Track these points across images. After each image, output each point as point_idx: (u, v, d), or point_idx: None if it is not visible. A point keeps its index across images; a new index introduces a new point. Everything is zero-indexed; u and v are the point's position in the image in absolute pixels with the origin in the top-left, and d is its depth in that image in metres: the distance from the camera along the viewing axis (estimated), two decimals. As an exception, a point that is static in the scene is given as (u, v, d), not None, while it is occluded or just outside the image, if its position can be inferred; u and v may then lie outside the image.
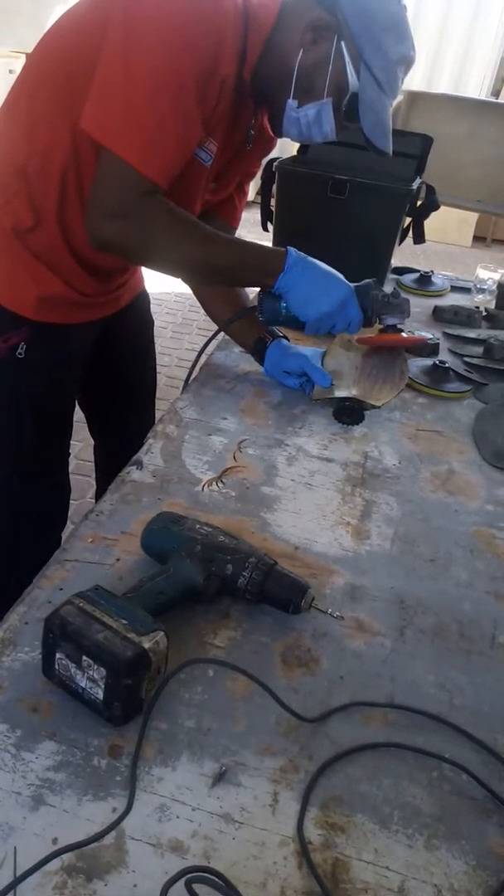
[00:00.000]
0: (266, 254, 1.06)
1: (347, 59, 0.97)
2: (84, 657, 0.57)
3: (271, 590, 0.71)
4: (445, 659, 0.72)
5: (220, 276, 1.10)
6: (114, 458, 1.57)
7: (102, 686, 0.57)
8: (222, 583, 0.71)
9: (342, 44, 0.96)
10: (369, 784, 0.59)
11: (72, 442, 1.34)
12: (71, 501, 1.45)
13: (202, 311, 1.35)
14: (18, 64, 3.49)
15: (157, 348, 1.58)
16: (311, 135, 1.05)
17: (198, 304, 1.35)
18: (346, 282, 1.07)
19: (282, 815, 0.55)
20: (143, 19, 0.88)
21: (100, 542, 0.80)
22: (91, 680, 0.58)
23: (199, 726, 0.61)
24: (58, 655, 0.59)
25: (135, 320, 1.40)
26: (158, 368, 1.59)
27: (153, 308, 1.49)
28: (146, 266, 1.04)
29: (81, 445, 2.23)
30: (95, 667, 0.57)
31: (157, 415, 1.62)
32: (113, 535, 0.81)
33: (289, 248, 1.05)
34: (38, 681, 0.62)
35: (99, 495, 1.74)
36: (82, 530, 0.82)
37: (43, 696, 0.61)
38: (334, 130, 1.04)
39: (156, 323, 1.51)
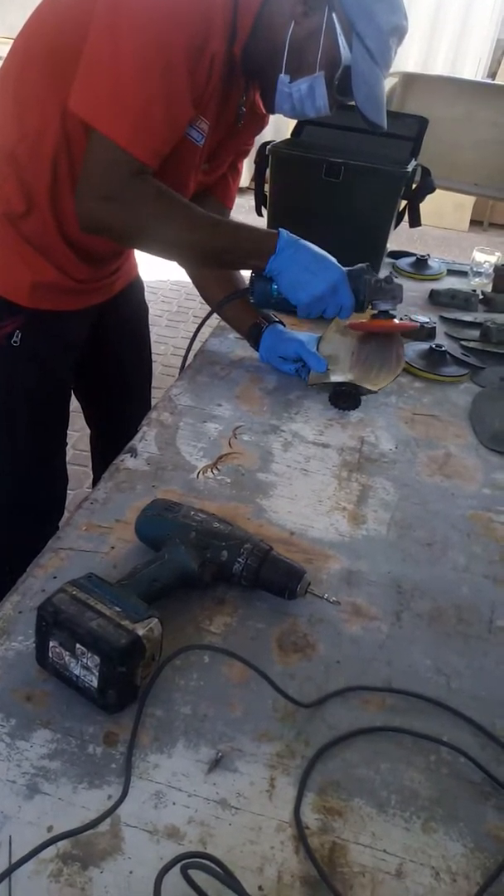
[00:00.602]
0: (257, 235, 1.05)
1: (339, 30, 0.95)
2: (78, 645, 0.57)
3: (267, 575, 0.70)
4: (443, 643, 0.72)
5: (210, 257, 1.08)
6: (110, 447, 1.55)
7: (97, 674, 0.57)
8: (218, 569, 0.70)
9: (333, 15, 0.94)
10: (367, 768, 0.59)
11: (68, 432, 1.33)
12: (68, 491, 1.44)
13: (198, 299, 1.34)
14: (4, 49, 3.45)
15: (153, 337, 1.56)
16: (303, 110, 1.04)
17: (194, 293, 1.33)
18: (339, 265, 1.06)
19: (279, 800, 0.55)
20: (129, 6, 0.86)
21: (94, 530, 0.79)
22: (85, 668, 0.57)
23: (195, 713, 0.61)
24: (51, 644, 0.59)
25: (129, 308, 1.39)
26: (154, 357, 1.58)
27: (148, 296, 1.47)
28: (136, 248, 1.03)
29: (78, 435, 2.22)
30: (89, 655, 0.57)
31: (153, 402, 1.61)
32: (107, 522, 0.81)
33: (280, 229, 1.04)
34: (33, 669, 0.62)
35: (96, 485, 1.73)
36: (76, 518, 0.81)
37: (37, 685, 0.61)
38: (327, 105, 1.02)
39: (151, 311, 1.50)
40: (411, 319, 1.38)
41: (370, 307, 1.12)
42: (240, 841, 0.52)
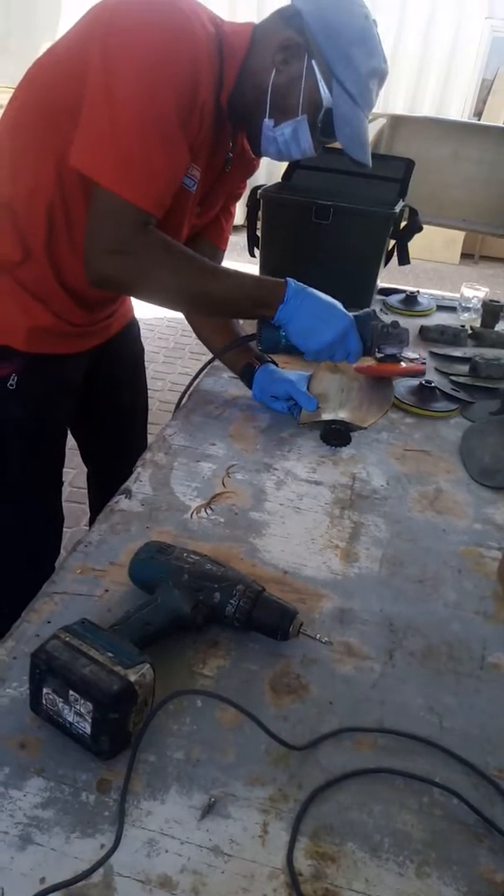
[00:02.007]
0: (265, 284, 1.08)
1: (319, 75, 0.99)
2: (71, 692, 0.58)
3: (259, 617, 0.71)
4: (435, 681, 0.72)
5: (219, 307, 1.12)
6: (107, 486, 1.56)
7: (90, 720, 0.57)
8: (210, 611, 0.71)
9: (312, 62, 0.99)
10: (360, 811, 0.59)
11: (65, 469, 1.34)
12: (65, 529, 1.45)
13: (194, 335, 1.37)
14: (5, 98, 3.56)
15: (150, 373, 1.59)
16: (289, 152, 1.07)
17: (189, 329, 1.36)
18: (346, 312, 1.09)
19: (271, 846, 0.55)
20: (122, 59, 0.90)
21: (88, 573, 0.80)
22: (78, 714, 0.58)
23: (188, 758, 0.61)
24: (45, 690, 0.59)
25: (125, 348, 1.41)
26: (151, 393, 1.60)
27: (145, 333, 1.50)
28: (145, 299, 1.06)
29: (75, 472, 2.24)
30: (82, 701, 0.57)
31: (150, 439, 1.63)
32: (101, 565, 0.82)
33: (288, 279, 1.07)
34: (27, 716, 0.62)
35: (92, 523, 1.74)
36: (71, 561, 0.82)
37: (31, 731, 0.61)
38: (312, 147, 1.06)
39: (148, 348, 1.53)
40: (402, 355, 1.40)
41: (377, 351, 1.14)
42: (232, 889, 0.52)
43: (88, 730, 0.58)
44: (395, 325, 1.13)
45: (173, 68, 0.91)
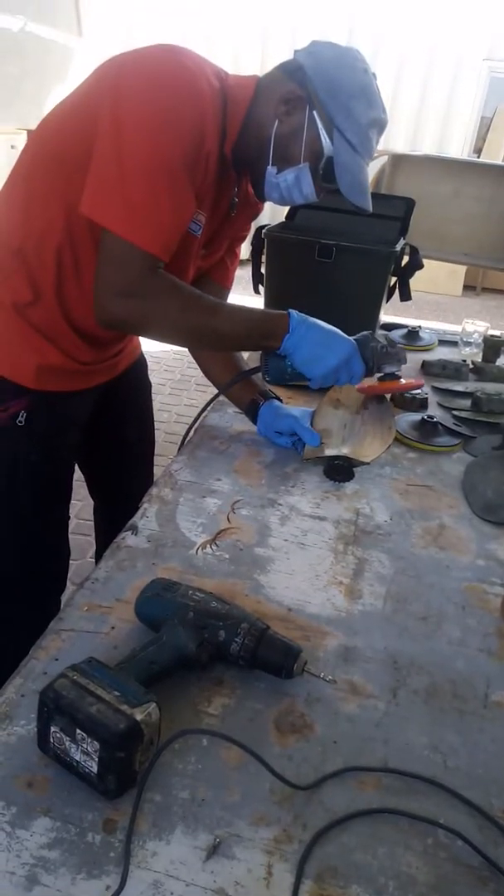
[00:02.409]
0: (269, 317, 1.12)
1: (320, 126, 1.03)
2: (78, 730, 0.58)
3: (264, 655, 0.72)
4: (439, 720, 0.73)
5: (227, 342, 1.15)
6: (113, 519, 1.58)
7: (96, 759, 0.58)
8: (215, 649, 0.72)
9: (314, 113, 1.03)
10: (364, 853, 0.59)
11: (72, 501, 1.36)
12: (71, 562, 1.46)
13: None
14: (19, 139, 3.68)
15: (156, 405, 1.61)
16: (291, 198, 1.12)
17: (195, 362, 1.39)
18: (348, 338, 1.13)
19: (276, 888, 0.55)
20: (130, 112, 0.94)
21: (95, 610, 0.81)
22: (85, 753, 0.59)
23: (193, 797, 0.61)
24: (52, 729, 0.60)
25: (133, 384, 1.44)
26: (157, 425, 1.63)
27: (152, 366, 1.53)
28: (154, 339, 1.09)
29: (82, 504, 2.25)
30: (89, 740, 0.58)
31: (156, 471, 1.65)
32: (108, 602, 0.83)
33: (290, 310, 1.10)
34: (34, 755, 0.63)
35: (99, 556, 1.75)
36: (78, 598, 0.83)
37: (38, 770, 0.62)
38: (314, 192, 1.10)
39: (154, 380, 1.55)
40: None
41: (377, 371, 1.17)
42: (237, 932, 0.52)
43: (95, 769, 0.58)
44: (392, 344, 1.16)
45: (179, 120, 0.95)
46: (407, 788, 0.65)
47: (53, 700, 0.60)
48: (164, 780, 0.62)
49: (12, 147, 3.76)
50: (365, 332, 1.16)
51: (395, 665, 0.79)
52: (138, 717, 0.59)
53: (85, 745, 0.58)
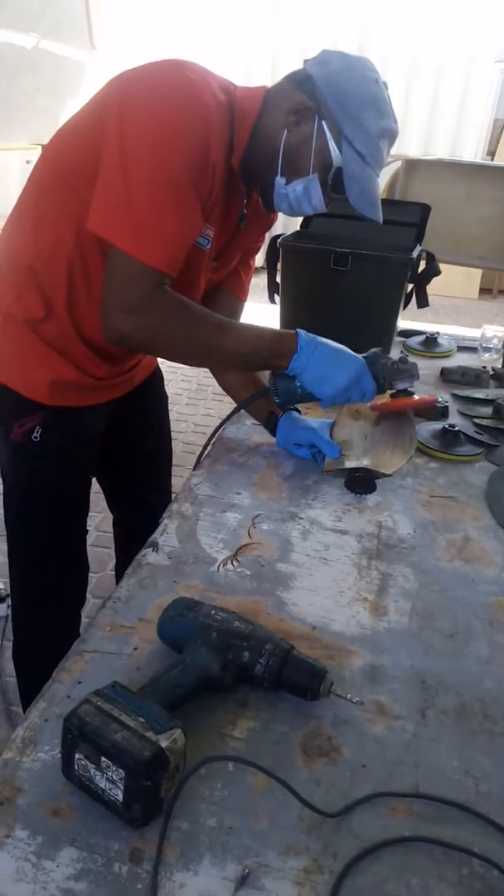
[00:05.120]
0: (277, 337, 1.10)
1: (329, 136, 1.02)
2: (103, 758, 0.57)
3: (289, 676, 0.70)
4: (469, 742, 0.71)
5: (234, 361, 1.14)
6: (133, 531, 1.58)
7: (122, 788, 0.57)
8: (239, 671, 0.71)
9: (323, 123, 1.02)
10: (396, 883, 0.57)
11: (90, 514, 1.36)
12: (91, 575, 1.46)
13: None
14: (34, 154, 3.72)
15: (173, 415, 1.61)
16: (301, 208, 1.11)
17: (212, 375, 1.38)
18: (357, 356, 1.10)
19: (307, 921, 0.54)
20: (134, 127, 0.94)
21: (117, 630, 0.81)
22: (110, 781, 0.58)
23: (221, 825, 0.60)
24: (77, 756, 0.59)
25: (148, 397, 1.44)
26: (175, 435, 1.62)
27: (168, 376, 1.52)
28: (161, 356, 1.09)
29: (101, 517, 2.26)
30: (114, 768, 0.57)
31: (174, 482, 1.64)
32: (130, 622, 0.82)
33: (298, 330, 1.09)
34: (59, 782, 0.62)
35: (118, 569, 1.75)
36: (100, 618, 0.83)
37: (63, 798, 0.61)
38: (323, 203, 1.09)
39: (171, 390, 1.55)
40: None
41: (389, 388, 1.16)
42: None
43: (121, 797, 0.57)
44: (403, 360, 1.14)
45: (183, 134, 0.95)
46: (439, 815, 0.63)
47: (78, 727, 0.59)
48: (191, 807, 0.61)
49: (27, 162, 3.81)
50: (375, 350, 1.14)
51: (422, 684, 0.77)
52: (164, 744, 0.58)
53: (110, 773, 0.57)
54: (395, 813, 0.63)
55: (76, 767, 0.60)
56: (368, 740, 0.70)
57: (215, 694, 0.71)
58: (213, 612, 0.76)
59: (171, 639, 0.76)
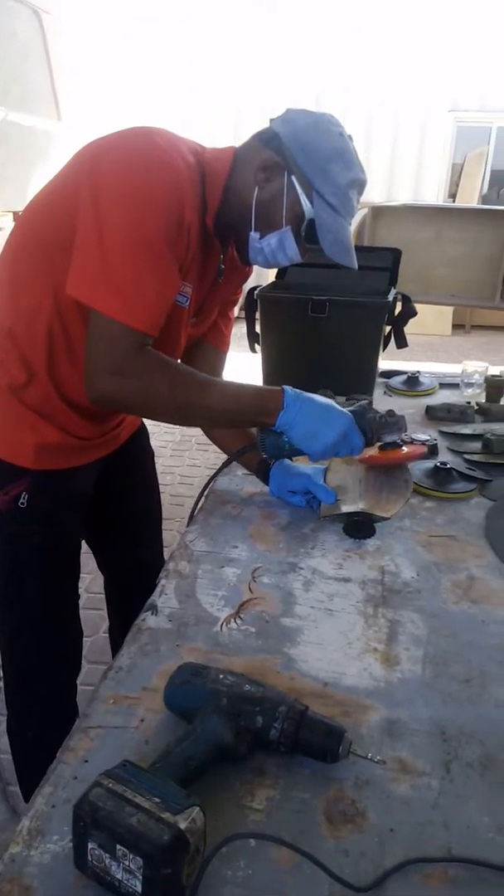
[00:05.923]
0: (262, 394, 1.09)
1: (300, 190, 1.04)
2: (118, 846, 0.54)
3: (306, 739, 0.67)
4: (499, 795, 0.68)
5: (219, 419, 1.13)
6: (126, 590, 1.54)
7: (140, 878, 0.53)
8: (253, 737, 0.68)
9: (293, 178, 1.04)
10: None
11: (81, 575, 1.32)
12: (84, 639, 1.42)
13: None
14: (5, 220, 3.78)
15: (159, 468, 1.59)
16: (276, 261, 1.12)
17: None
18: (344, 411, 1.09)
19: None
20: (108, 192, 0.96)
21: (121, 702, 0.77)
22: (128, 871, 0.54)
23: (248, 910, 0.56)
24: (90, 846, 0.56)
25: (135, 454, 1.42)
26: (162, 488, 1.60)
27: (152, 428, 1.51)
28: (147, 417, 1.08)
29: (91, 577, 2.21)
30: (131, 856, 0.53)
31: (165, 535, 1.61)
32: (134, 692, 0.78)
33: (284, 386, 1.09)
34: (71, 875, 0.58)
35: (112, 630, 1.70)
36: (102, 691, 0.79)
37: (77, 892, 0.57)
38: (298, 254, 1.11)
39: (155, 443, 1.53)
40: (412, 438, 1.41)
41: (377, 441, 1.15)
42: None
43: (139, 888, 0.54)
44: (391, 413, 1.14)
45: (156, 197, 0.96)
46: (477, 878, 0.60)
47: (90, 814, 0.55)
48: (215, 891, 0.57)
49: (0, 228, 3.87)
50: (361, 403, 1.14)
51: (443, 736, 0.74)
52: (182, 825, 0.54)
53: (127, 862, 0.54)
54: (430, 880, 0.59)
55: (90, 858, 0.56)
56: (394, 801, 0.66)
57: (230, 763, 0.68)
58: (220, 676, 0.73)
59: (178, 708, 0.73)
